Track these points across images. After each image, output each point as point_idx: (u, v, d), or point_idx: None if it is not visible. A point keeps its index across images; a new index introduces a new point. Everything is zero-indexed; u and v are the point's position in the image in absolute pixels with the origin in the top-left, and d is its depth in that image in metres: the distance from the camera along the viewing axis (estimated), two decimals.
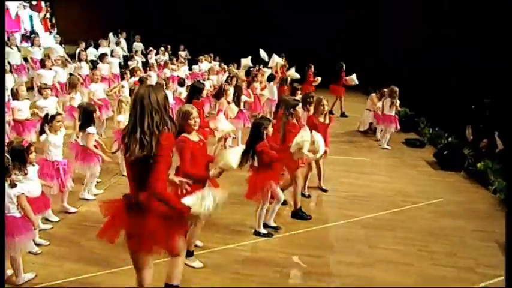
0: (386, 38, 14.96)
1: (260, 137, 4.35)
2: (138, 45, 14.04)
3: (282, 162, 4.68)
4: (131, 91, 6.86)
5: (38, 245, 4.18)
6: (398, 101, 8.15)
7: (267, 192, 4.47)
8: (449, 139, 7.88)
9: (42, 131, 4.69)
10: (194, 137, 3.63)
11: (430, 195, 6.10)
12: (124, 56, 13.09)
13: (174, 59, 12.29)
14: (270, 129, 4.43)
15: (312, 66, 11.33)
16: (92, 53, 11.61)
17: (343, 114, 11.24)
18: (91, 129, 5.00)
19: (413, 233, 4.94)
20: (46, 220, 4.65)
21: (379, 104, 8.54)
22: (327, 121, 5.68)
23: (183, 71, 11.77)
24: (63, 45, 11.18)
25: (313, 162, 5.70)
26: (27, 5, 13.07)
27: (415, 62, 12.03)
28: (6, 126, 6.06)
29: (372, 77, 12.72)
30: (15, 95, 5.87)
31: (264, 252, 4.39)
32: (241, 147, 4.16)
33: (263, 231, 4.66)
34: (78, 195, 5.35)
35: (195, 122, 3.56)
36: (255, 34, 15.44)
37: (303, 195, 5.52)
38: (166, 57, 13.40)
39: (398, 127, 8.36)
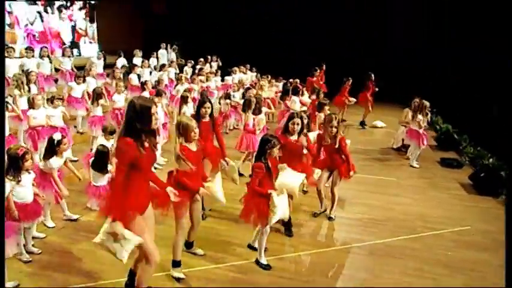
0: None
1: (263, 153, 4.17)
2: (173, 56, 14.41)
3: None
4: None
5: (29, 253, 4.31)
6: (427, 116, 7.67)
7: (263, 217, 4.14)
8: (490, 160, 7.24)
9: (47, 155, 4.72)
10: (193, 146, 3.87)
11: (456, 222, 5.61)
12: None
13: (204, 70, 12.45)
14: (276, 150, 4.19)
15: (350, 80, 11.03)
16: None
17: (362, 123, 11.13)
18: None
19: (426, 264, 4.54)
20: (44, 225, 4.80)
21: (409, 119, 8.09)
22: (336, 143, 5.20)
23: (214, 81, 11.89)
24: (101, 57, 11.64)
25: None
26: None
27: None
28: (23, 133, 6.44)
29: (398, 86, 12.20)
30: (31, 104, 6.18)
31: (252, 274, 4.21)
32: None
33: (263, 261, 4.30)
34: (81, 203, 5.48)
35: (194, 133, 3.83)
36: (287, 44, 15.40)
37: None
38: (206, 67, 13.64)
39: (425, 144, 7.83)
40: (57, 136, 4.77)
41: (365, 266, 4.48)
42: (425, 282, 4.21)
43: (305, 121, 5.23)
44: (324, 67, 12.12)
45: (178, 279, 3.94)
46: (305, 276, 4.21)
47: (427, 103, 7.72)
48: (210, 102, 5.17)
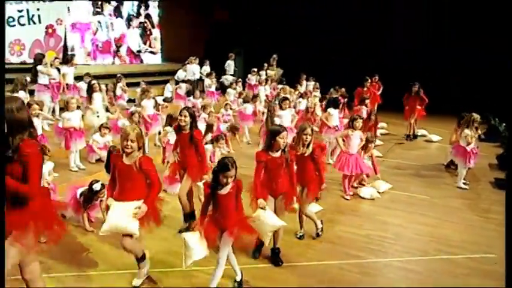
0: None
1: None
2: (231, 63, 14.92)
3: None
4: None
5: None
6: (477, 131, 7.01)
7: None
8: None
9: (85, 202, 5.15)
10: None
11: (479, 249, 5.05)
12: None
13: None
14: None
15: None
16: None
17: (412, 136, 10.58)
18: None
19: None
20: None
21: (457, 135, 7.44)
22: (307, 152, 4.75)
23: (263, 90, 12.12)
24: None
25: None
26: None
27: None
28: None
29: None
30: (66, 106, 6.96)
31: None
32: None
33: None
34: None
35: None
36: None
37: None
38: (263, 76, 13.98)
39: (471, 163, 7.11)
40: (96, 187, 5.04)
41: (356, 284, 4.25)
42: None
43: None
44: (377, 77, 11.66)
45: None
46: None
47: (476, 116, 7.06)
48: (190, 112, 5.01)
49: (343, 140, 6.68)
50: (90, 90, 8.21)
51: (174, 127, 5.37)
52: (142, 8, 15.17)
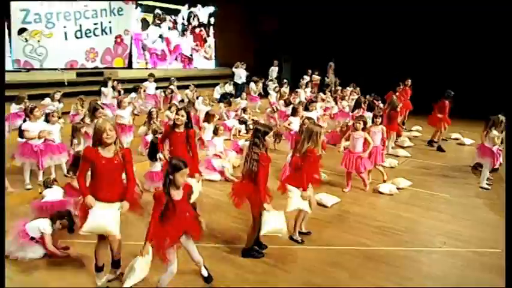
0: None
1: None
2: (274, 70, 15.25)
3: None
4: None
5: None
6: (503, 133, 6.78)
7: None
8: None
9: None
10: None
11: (485, 243, 4.99)
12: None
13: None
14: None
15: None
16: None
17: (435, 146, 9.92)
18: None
19: (418, 276, 4.26)
20: None
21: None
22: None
23: (303, 93, 12.32)
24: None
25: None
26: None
27: None
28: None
29: None
30: (119, 105, 7.66)
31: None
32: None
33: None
34: None
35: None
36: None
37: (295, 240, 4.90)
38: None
39: (496, 164, 6.88)
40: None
41: (351, 267, 4.38)
42: None
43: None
44: (410, 83, 11.41)
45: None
46: (287, 267, 4.33)
47: (503, 117, 6.85)
48: (187, 111, 5.04)
49: (346, 140, 6.86)
50: None
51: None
52: (197, 19, 15.91)
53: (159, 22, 14.41)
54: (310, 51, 16.77)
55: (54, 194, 4.91)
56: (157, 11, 14.30)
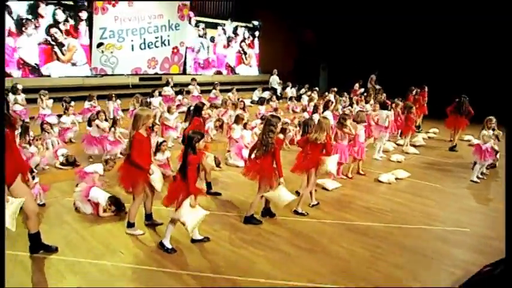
0: None
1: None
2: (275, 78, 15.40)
3: None
4: None
5: None
6: (494, 131, 6.84)
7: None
8: None
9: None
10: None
11: (458, 223, 5.26)
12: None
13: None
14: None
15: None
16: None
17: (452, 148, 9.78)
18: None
19: (390, 246, 4.62)
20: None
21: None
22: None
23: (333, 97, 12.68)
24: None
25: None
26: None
27: None
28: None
29: None
30: (168, 110, 8.59)
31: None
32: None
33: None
34: None
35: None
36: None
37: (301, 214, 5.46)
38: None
39: (484, 160, 6.96)
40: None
41: (332, 236, 4.81)
42: (365, 254, 4.38)
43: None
44: (426, 88, 11.38)
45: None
46: (278, 232, 4.87)
47: (491, 118, 6.93)
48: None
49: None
50: None
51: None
52: (240, 30, 16.72)
53: (204, 33, 15.34)
54: (346, 60, 16.94)
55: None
56: (201, 25, 15.22)
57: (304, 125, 5.73)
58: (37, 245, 4.07)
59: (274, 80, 14.27)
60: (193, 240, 4.51)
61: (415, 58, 15.22)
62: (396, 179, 7.11)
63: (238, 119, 8.31)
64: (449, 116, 10.10)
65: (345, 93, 12.43)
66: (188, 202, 4.12)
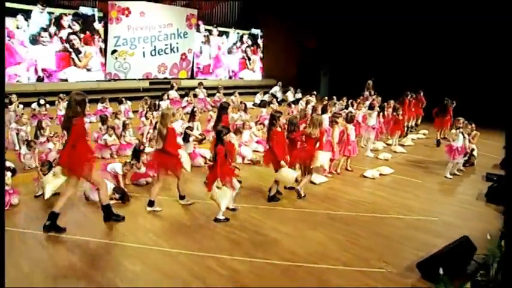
0: None
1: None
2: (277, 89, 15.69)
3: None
4: None
5: None
6: (458, 131, 7.18)
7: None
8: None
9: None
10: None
11: (428, 213, 5.57)
12: None
13: None
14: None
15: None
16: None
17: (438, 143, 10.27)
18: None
19: (362, 231, 4.95)
20: None
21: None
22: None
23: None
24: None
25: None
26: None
27: None
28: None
29: None
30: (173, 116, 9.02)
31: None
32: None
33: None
34: None
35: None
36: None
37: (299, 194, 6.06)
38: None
39: (452, 158, 7.30)
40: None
41: (313, 223, 5.14)
42: (342, 239, 4.70)
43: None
44: (422, 93, 11.68)
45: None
46: (257, 223, 5.28)
47: (459, 118, 7.41)
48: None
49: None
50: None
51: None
52: (245, 37, 17.13)
53: (206, 40, 15.79)
54: (348, 66, 17.13)
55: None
56: (205, 33, 15.67)
57: (290, 123, 6.08)
58: (109, 215, 4.92)
59: (276, 90, 14.79)
60: (216, 220, 5.04)
61: (414, 62, 15.32)
62: (380, 174, 7.42)
63: (236, 131, 8.68)
64: (435, 117, 10.46)
65: (344, 98, 12.68)
66: (215, 184, 4.86)
